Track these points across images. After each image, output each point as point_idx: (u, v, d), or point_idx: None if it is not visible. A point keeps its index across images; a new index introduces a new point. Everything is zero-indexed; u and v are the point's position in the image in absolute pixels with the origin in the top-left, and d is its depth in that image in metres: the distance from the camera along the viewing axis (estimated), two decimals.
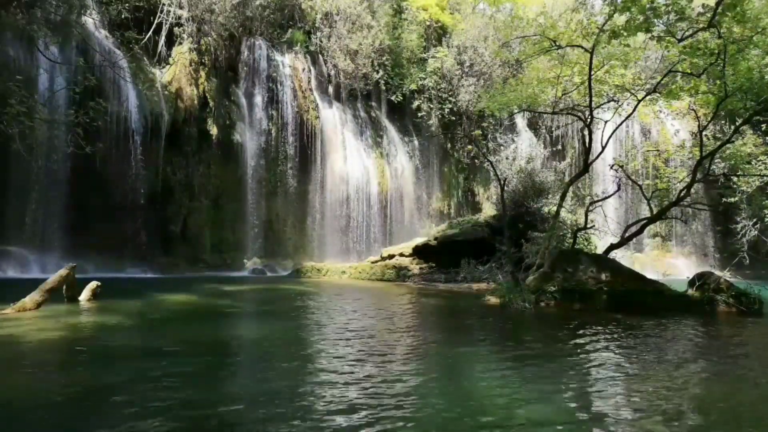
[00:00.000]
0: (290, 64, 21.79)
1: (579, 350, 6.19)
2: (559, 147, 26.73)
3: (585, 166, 13.15)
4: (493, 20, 25.88)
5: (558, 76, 13.00)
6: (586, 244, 15.07)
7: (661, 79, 12.11)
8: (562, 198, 12.82)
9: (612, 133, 12.83)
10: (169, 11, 18.70)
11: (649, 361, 5.58)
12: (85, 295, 8.89)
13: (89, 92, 13.42)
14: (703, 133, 12.43)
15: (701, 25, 10.19)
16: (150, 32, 18.32)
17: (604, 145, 12.57)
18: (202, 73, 19.57)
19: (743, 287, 10.13)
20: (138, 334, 6.60)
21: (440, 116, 25.02)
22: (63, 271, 8.43)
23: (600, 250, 13.01)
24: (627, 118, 13.40)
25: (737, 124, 12.33)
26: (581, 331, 7.41)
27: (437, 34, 26.15)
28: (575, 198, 23.35)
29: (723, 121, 19.65)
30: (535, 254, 12.23)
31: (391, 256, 17.65)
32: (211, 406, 3.83)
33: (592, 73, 11.41)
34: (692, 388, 4.60)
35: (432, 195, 25.51)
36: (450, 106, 24.93)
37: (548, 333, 7.80)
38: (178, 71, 18.83)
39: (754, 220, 20.36)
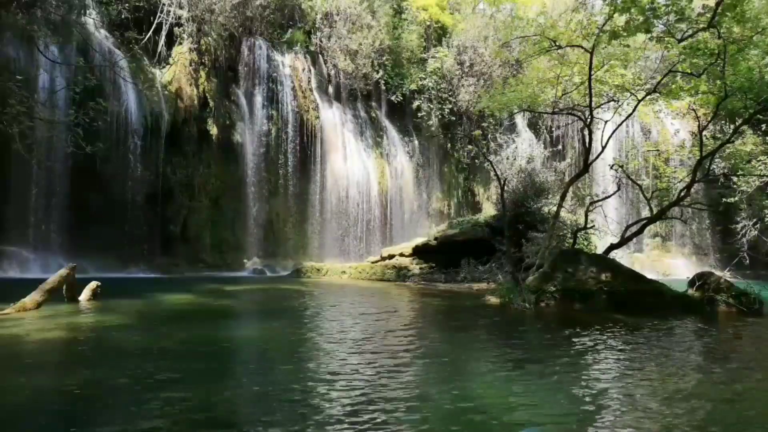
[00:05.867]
0: (290, 64, 21.79)
1: (579, 351, 6.19)
2: (559, 147, 26.70)
3: (585, 166, 13.15)
4: (493, 20, 25.86)
5: (558, 76, 13.00)
6: (586, 244, 15.08)
7: (661, 79, 12.11)
8: (562, 198, 12.82)
9: (612, 133, 12.82)
10: (169, 11, 18.69)
11: (649, 362, 5.57)
12: (85, 295, 8.89)
13: (89, 92, 13.42)
14: (703, 133, 12.44)
15: (701, 26, 10.20)
16: (150, 32, 18.31)
17: (604, 145, 12.57)
18: (202, 73, 19.57)
19: (743, 287, 10.13)
20: (138, 334, 6.59)
21: (440, 116, 25.00)
22: (63, 271, 8.44)
23: (600, 250, 13.01)
24: (627, 118, 13.40)
25: (737, 124, 12.34)
26: (581, 332, 7.40)
27: (437, 34, 26.14)
28: (575, 198, 23.35)
29: (723, 121, 19.63)
30: (535, 254, 12.23)
31: (391, 256, 17.66)
32: (211, 406, 3.82)
33: (592, 73, 11.41)
34: (693, 390, 4.59)
35: (432, 195, 25.50)
36: (450, 106, 24.92)
37: (548, 333, 7.80)
38: (178, 71, 18.82)
39: (754, 220, 20.38)
